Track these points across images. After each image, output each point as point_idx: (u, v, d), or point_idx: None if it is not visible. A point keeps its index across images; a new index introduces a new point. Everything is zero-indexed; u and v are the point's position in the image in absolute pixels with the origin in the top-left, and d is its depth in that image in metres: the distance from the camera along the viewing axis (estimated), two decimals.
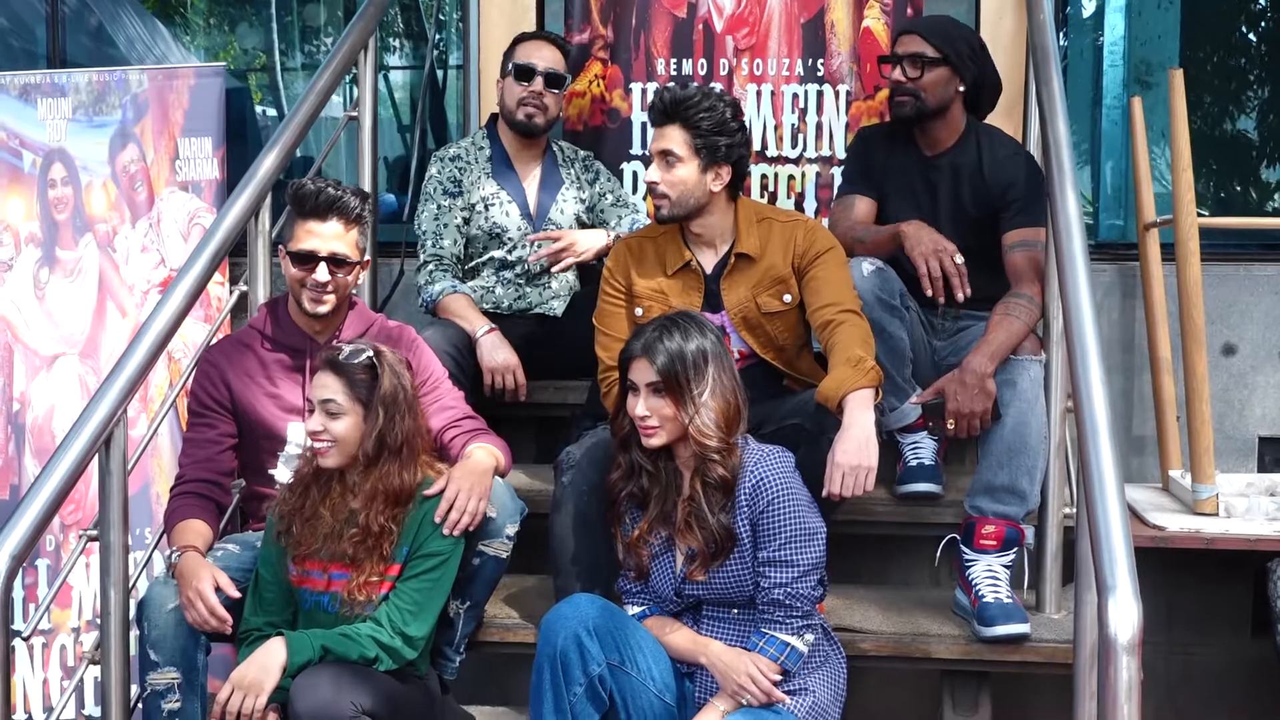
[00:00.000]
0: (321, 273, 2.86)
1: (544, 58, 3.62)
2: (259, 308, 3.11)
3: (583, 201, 3.72)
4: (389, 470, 2.66)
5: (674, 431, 2.63)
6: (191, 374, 3.04)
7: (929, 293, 3.07)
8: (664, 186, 2.96)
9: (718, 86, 3.78)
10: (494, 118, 3.75)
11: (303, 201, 2.90)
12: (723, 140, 2.94)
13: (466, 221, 3.62)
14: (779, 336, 3.02)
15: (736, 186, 3.03)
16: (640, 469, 2.69)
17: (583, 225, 3.72)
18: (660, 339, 2.62)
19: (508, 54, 3.68)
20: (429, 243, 3.59)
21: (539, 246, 3.59)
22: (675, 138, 2.95)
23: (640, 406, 2.62)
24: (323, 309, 2.90)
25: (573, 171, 3.74)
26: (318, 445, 2.64)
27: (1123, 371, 4.09)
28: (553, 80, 3.62)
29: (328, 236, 2.88)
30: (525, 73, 3.60)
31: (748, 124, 3.16)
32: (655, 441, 2.63)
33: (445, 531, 2.67)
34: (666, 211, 2.99)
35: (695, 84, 3.53)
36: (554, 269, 3.57)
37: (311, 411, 2.65)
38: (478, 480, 2.74)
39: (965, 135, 3.30)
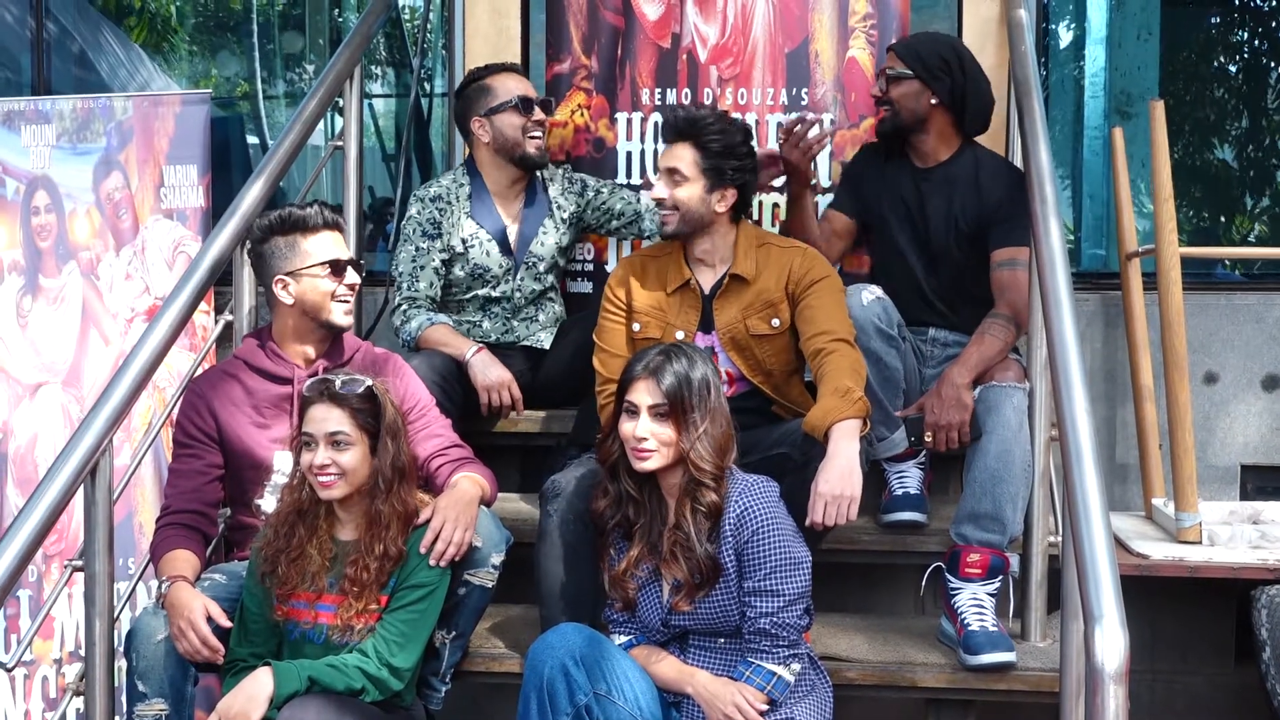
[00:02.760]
0: (352, 276, 2.94)
1: (529, 87, 3.65)
2: (244, 337, 3.10)
3: (567, 222, 3.72)
4: (402, 494, 2.67)
5: (668, 456, 2.63)
6: (177, 404, 3.03)
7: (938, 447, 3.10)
8: (670, 202, 3.02)
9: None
10: (472, 155, 3.73)
11: (305, 220, 2.93)
12: (730, 164, 3.00)
13: (445, 263, 3.61)
14: (766, 360, 3.04)
15: (740, 210, 3.08)
16: (627, 496, 2.69)
17: (567, 249, 3.73)
18: (666, 363, 2.63)
19: (482, 91, 3.62)
20: (404, 284, 3.58)
21: (521, 281, 3.62)
22: (684, 156, 3.01)
23: (640, 428, 2.62)
24: (349, 320, 2.99)
25: (553, 193, 3.74)
26: (324, 479, 2.63)
27: (1105, 400, 4.11)
28: (548, 107, 3.68)
29: (344, 245, 2.99)
30: (527, 104, 3.59)
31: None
32: (649, 465, 2.63)
33: (431, 562, 2.67)
34: (672, 228, 3.03)
35: (705, 107, 3.59)
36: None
37: (310, 445, 2.63)
38: (463, 510, 2.74)
39: (961, 151, 3.37)
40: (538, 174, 3.74)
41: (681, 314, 3.04)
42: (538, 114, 3.61)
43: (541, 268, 3.67)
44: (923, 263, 3.36)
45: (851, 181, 3.52)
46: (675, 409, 2.61)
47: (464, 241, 3.60)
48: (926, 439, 3.06)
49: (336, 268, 2.93)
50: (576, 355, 3.28)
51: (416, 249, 3.59)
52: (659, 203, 3.06)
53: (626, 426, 2.64)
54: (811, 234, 3.48)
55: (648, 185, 3.71)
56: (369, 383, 2.67)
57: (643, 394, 2.63)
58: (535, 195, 3.71)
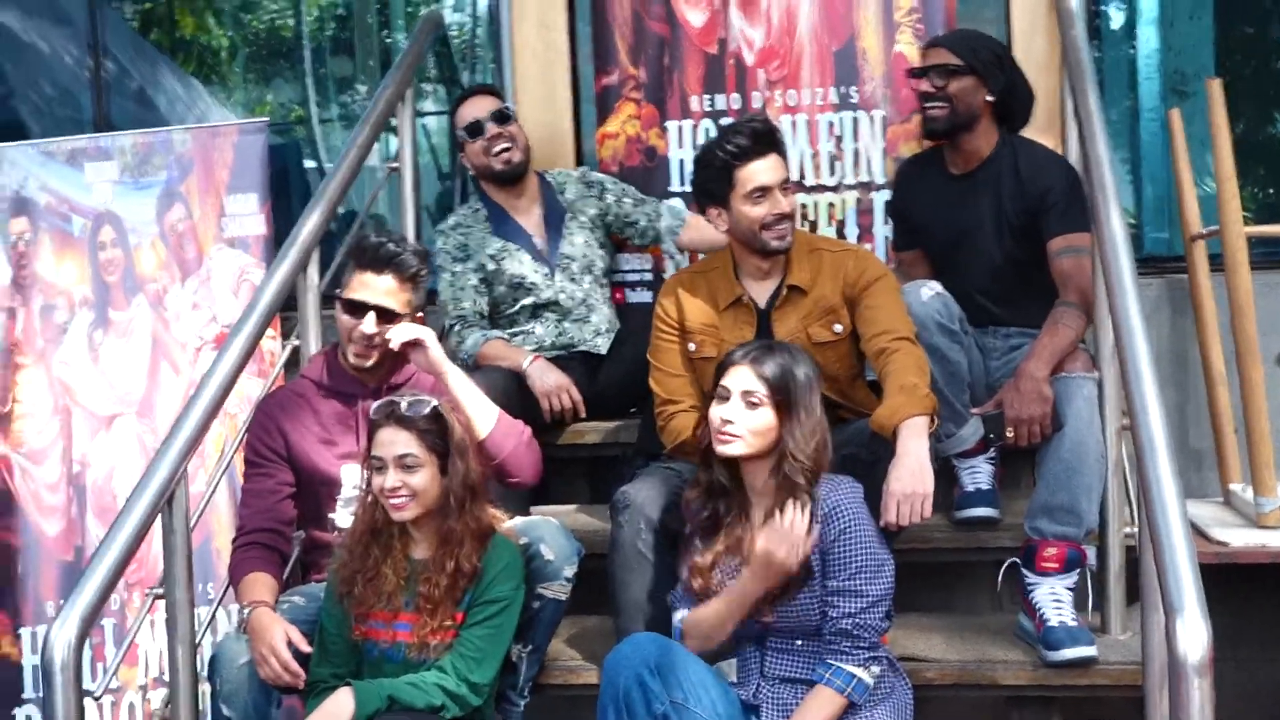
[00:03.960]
0: (369, 324, 2.90)
1: (482, 107, 3.69)
2: (312, 357, 3.15)
3: (590, 224, 3.74)
4: (475, 512, 2.69)
5: (753, 446, 2.61)
6: (247, 428, 3.08)
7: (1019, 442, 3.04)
8: (791, 212, 2.97)
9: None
10: (475, 179, 3.81)
11: (363, 253, 2.95)
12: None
13: (484, 280, 3.65)
14: (830, 366, 3.02)
15: None
16: (720, 487, 2.68)
17: (600, 248, 3.76)
18: (768, 354, 2.63)
19: (451, 127, 3.74)
20: (450, 307, 3.65)
21: (562, 285, 3.65)
22: (784, 165, 2.99)
23: (727, 411, 2.60)
24: (367, 362, 2.95)
25: (570, 197, 3.76)
26: (395, 501, 2.65)
27: (1175, 385, 4.05)
28: (500, 118, 3.68)
29: (379, 290, 2.92)
30: (475, 128, 3.66)
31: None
32: (732, 450, 2.61)
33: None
34: (792, 238, 2.99)
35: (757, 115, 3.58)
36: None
37: (380, 468, 2.66)
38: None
39: (999, 147, 3.32)
40: (550, 180, 3.77)
41: (736, 330, 3.01)
42: (490, 130, 3.64)
43: (577, 269, 3.69)
44: (978, 264, 3.30)
45: (899, 215, 3.50)
46: (780, 399, 2.60)
47: (493, 257, 3.64)
48: (1008, 434, 3.01)
49: (350, 308, 2.94)
50: (636, 363, 3.29)
51: (452, 274, 3.65)
52: (784, 218, 2.95)
53: (715, 410, 2.63)
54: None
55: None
56: (435, 403, 2.69)
57: (737, 379, 2.62)
58: (551, 200, 3.75)
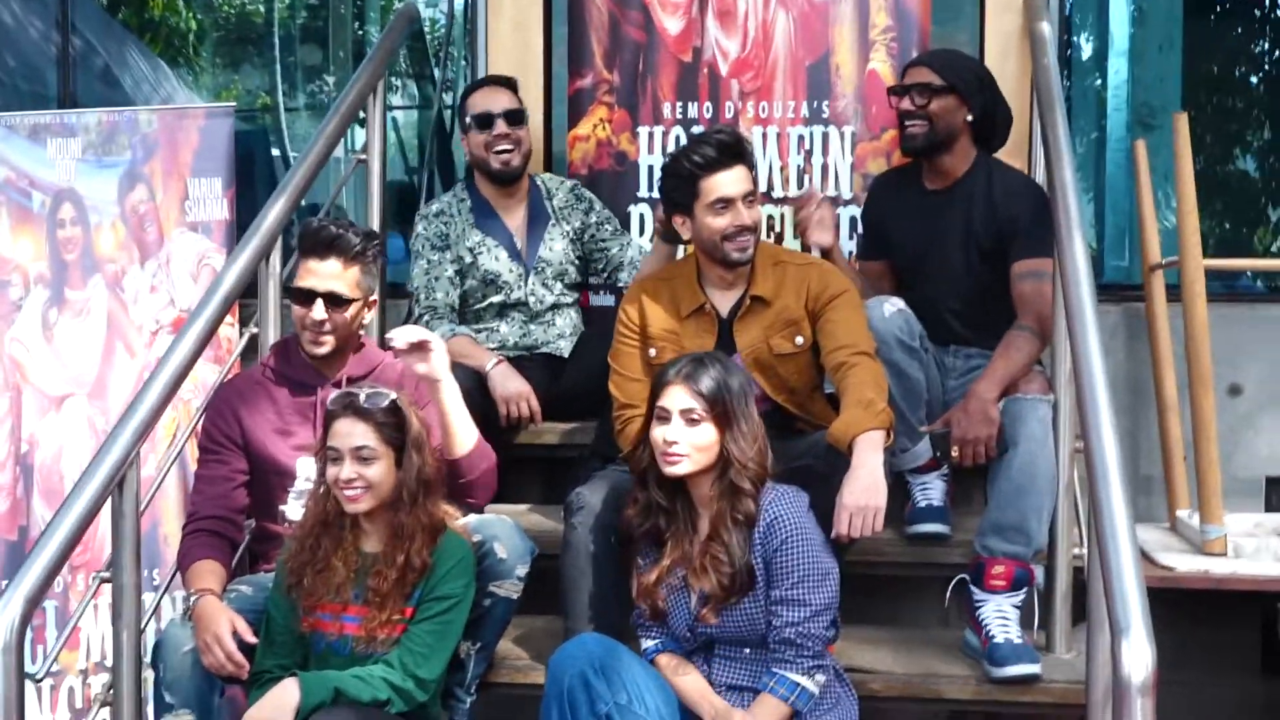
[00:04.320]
0: (318, 310, 2.87)
1: (498, 100, 3.66)
2: (272, 345, 3.12)
3: (570, 235, 3.74)
4: (428, 507, 2.67)
5: (699, 462, 2.63)
6: (202, 416, 3.05)
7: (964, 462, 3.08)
8: (754, 224, 2.97)
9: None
10: (469, 169, 3.78)
11: (304, 240, 2.93)
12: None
13: (459, 273, 3.64)
14: (790, 378, 3.04)
15: None
16: (657, 506, 2.69)
17: (576, 260, 3.75)
18: (701, 369, 2.64)
19: (461, 110, 3.70)
20: (422, 296, 3.63)
21: (534, 287, 3.64)
22: (749, 176, 2.99)
23: (670, 433, 2.62)
24: (320, 350, 2.91)
25: (556, 203, 3.76)
26: (350, 493, 2.63)
27: (1129, 412, 4.10)
28: (512, 118, 3.65)
29: (325, 275, 2.89)
30: (485, 120, 3.63)
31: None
32: (679, 470, 2.63)
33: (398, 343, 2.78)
34: (753, 250, 3.00)
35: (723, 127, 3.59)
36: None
37: (335, 459, 2.65)
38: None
39: (975, 167, 3.35)
40: (539, 184, 3.77)
41: (697, 338, 3.02)
42: (499, 128, 3.62)
43: (551, 274, 3.69)
44: (944, 282, 3.34)
45: (871, 225, 3.52)
46: (719, 412, 2.61)
47: (471, 250, 3.63)
48: (953, 454, 3.05)
49: (298, 296, 2.90)
50: (597, 366, 3.29)
51: (428, 262, 3.63)
52: (745, 229, 2.95)
53: (656, 432, 2.64)
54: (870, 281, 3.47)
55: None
56: (393, 396, 2.68)
57: (674, 399, 2.63)
58: (538, 204, 3.75)
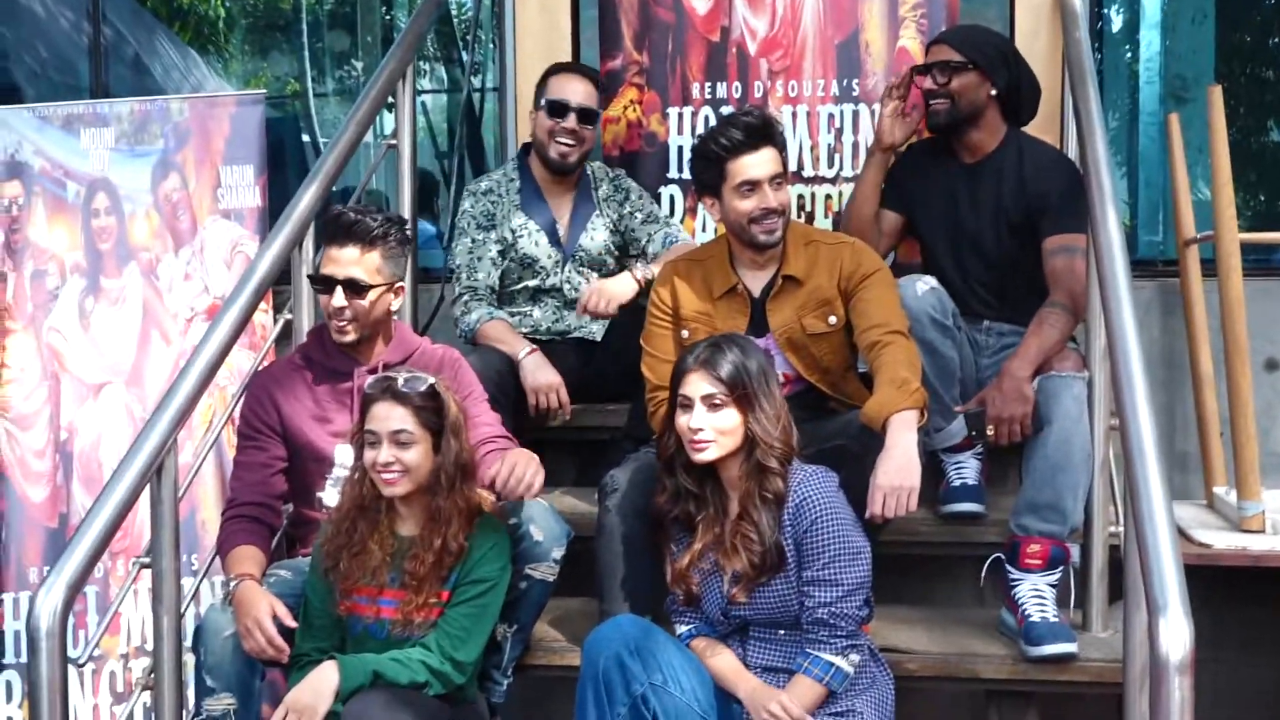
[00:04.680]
0: (337, 298, 2.88)
1: (577, 92, 3.63)
2: (308, 333, 3.14)
3: (610, 225, 3.74)
4: (465, 491, 2.69)
5: (726, 447, 2.63)
6: (240, 400, 3.08)
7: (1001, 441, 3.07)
8: (781, 208, 2.97)
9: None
10: (525, 147, 3.78)
11: (325, 228, 2.95)
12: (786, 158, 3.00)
13: (501, 254, 3.64)
14: (824, 358, 3.03)
15: None
16: (686, 492, 2.70)
17: (615, 250, 3.74)
18: (719, 353, 2.63)
19: (540, 86, 3.68)
20: (464, 275, 3.62)
21: (570, 275, 3.63)
22: (778, 158, 2.97)
23: (694, 420, 2.62)
24: (346, 338, 2.92)
25: (601, 194, 3.76)
26: (387, 476, 2.65)
27: (1164, 387, 4.07)
28: (586, 116, 3.63)
29: (344, 262, 2.89)
30: (558, 108, 3.60)
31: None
32: (707, 456, 2.63)
33: (515, 494, 2.73)
34: (780, 233, 2.99)
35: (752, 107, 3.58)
36: (595, 317, 3.52)
37: (373, 443, 2.66)
38: (530, 458, 2.80)
39: (1006, 142, 3.34)
40: (589, 173, 3.75)
41: (729, 319, 3.02)
42: (569, 121, 3.60)
43: (588, 263, 3.69)
44: (974, 257, 3.34)
45: (898, 180, 3.50)
46: (739, 395, 2.61)
47: (514, 232, 3.63)
48: (989, 433, 3.03)
49: (319, 283, 2.91)
50: (629, 348, 3.29)
51: (473, 240, 3.62)
52: (770, 212, 2.95)
53: (681, 420, 2.65)
54: (872, 206, 3.46)
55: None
56: (431, 380, 2.69)
57: (695, 386, 2.63)
58: (586, 193, 3.73)
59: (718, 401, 2.62)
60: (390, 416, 2.65)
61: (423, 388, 2.67)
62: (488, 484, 2.79)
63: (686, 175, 3.91)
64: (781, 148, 3.00)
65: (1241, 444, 3.65)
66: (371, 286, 2.90)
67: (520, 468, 2.75)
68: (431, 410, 2.67)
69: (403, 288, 3.01)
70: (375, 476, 2.66)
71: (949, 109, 3.30)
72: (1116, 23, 4.97)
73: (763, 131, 2.96)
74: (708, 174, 3.01)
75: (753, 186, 2.94)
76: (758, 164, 2.95)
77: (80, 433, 3.96)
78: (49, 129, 4.03)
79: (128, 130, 4.04)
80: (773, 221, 2.97)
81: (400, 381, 2.67)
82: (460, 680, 2.66)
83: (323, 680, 2.57)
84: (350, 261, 2.89)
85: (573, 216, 3.70)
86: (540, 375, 3.43)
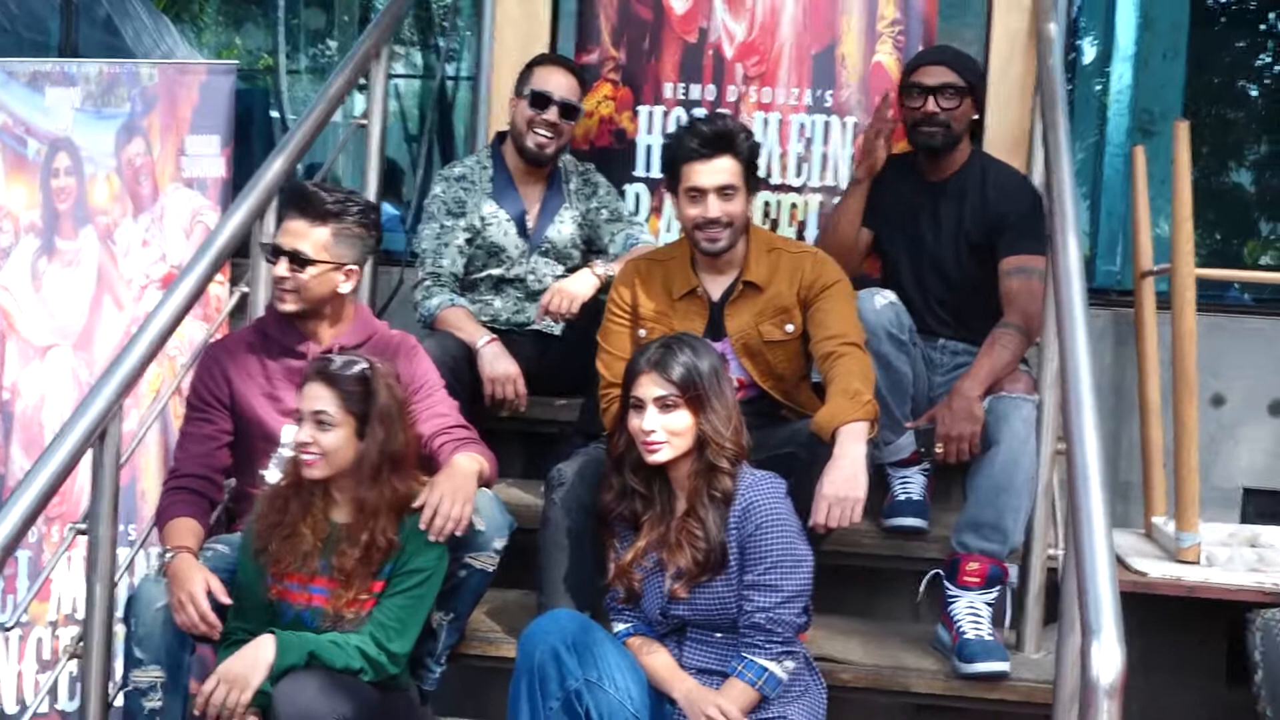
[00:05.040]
0: (280, 267, 2.86)
1: (561, 85, 3.61)
2: (265, 308, 3.11)
3: (578, 219, 3.73)
4: (393, 483, 2.65)
5: (678, 447, 2.63)
6: (189, 371, 3.04)
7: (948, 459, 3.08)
8: (726, 219, 2.95)
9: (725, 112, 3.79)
10: (500, 136, 3.76)
11: (283, 197, 2.93)
12: (755, 169, 2.99)
13: (469, 241, 3.62)
14: (778, 365, 3.04)
15: None
16: (632, 491, 2.70)
17: (581, 244, 3.73)
18: (670, 355, 2.63)
19: (524, 75, 3.65)
20: (428, 260, 3.59)
21: (534, 265, 3.62)
22: (733, 169, 2.95)
23: (647, 422, 2.62)
24: (284, 306, 2.89)
25: (572, 187, 3.75)
26: (305, 457, 2.62)
27: (1112, 416, 4.11)
28: (567, 110, 3.61)
29: (292, 233, 2.87)
30: (541, 100, 3.58)
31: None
32: (660, 457, 2.63)
33: (431, 538, 2.66)
34: (726, 243, 2.98)
35: (705, 113, 3.58)
36: (554, 319, 3.49)
37: (300, 421, 2.64)
38: (460, 486, 2.73)
39: (970, 161, 3.38)
40: (561, 165, 3.75)
41: (687, 321, 3.02)
42: (550, 114, 3.58)
43: (554, 255, 3.68)
44: (934, 275, 3.36)
45: (869, 196, 3.51)
46: (691, 396, 2.61)
47: (483, 220, 3.61)
48: (937, 450, 3.05)
49: (267, 251, 2.90)
50: (586, 343, 3.28)
51: (441, 226, 3.60)
52: (712, 222, 2.94)
53: (634, 421, 2.65)
54: (855, 233, 3.47)
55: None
56: (365, 365, 2.66)
57: (647, 388, 2.63)
58: (557, 185, 3.72)
59: (670, 403, 2.62)
60: (316, 397, 2.62)
61: (353, 371, 2.63)
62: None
63: (654, 174, 3.92)
64: (745, 158, 2.97)
65: (1183, 476, 3.70)
66: (314, 261, 2.86)
67: (446, 503, 2.68)
68: (359, 396, 2.62)
69: (354, 271, 2.93)
70: (298, 455, 2.64)
71: (945, 134, 3.32)
72: (1089, 54, 5.03)
73: (719, 141, 2.94)
74: (668, 173, 3.04)
75: (699, 194, 2.95)
76: (707, 173, 2.94)
77: (23, 394, 3.90)
78: (13, 85, 3.97)
79: (94, 91, 3.99)
80: (715, 231, 2.96)
81: (335, 364, 2.64)
82: (394, 670, 2.64)
83: (258, 653, 2.54)
84: (298, 233, 2.86)
85: (542, 208, 3.69)
86: (499, 365, 3.41)
